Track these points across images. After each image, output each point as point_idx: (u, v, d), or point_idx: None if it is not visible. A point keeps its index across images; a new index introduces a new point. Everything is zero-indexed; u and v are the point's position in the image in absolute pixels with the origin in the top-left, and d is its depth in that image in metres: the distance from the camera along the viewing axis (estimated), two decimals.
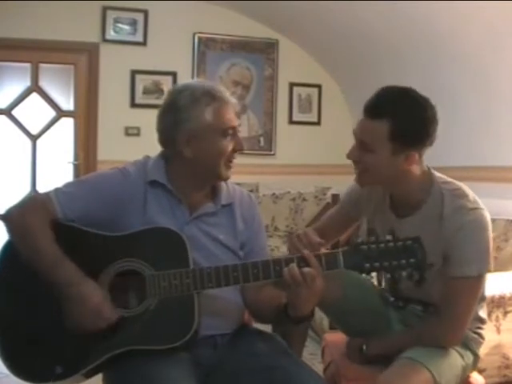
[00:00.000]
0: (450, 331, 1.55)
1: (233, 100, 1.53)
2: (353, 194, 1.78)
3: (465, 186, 1.58)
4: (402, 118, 1.46)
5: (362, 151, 1.52)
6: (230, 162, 1.52)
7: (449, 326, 1.54)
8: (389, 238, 1.36)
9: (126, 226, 1.45)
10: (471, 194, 1.55)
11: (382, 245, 1.34)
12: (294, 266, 1.34)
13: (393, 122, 1.45)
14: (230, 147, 1.50)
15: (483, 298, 1.67)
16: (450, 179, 1.60)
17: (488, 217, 1.53)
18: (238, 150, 1.52)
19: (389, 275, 1.68)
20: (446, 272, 1.52)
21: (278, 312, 1.46)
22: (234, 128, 1.51)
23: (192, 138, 1.47)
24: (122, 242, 1.42)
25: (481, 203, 1.54)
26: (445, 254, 1.52)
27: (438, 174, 1.61)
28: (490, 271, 1.53)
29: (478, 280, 1.52)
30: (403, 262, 1.33)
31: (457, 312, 1.53)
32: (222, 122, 1.48)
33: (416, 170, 1.55)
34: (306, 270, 1.33)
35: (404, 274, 1.33)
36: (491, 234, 1.53)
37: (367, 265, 1.34)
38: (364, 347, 1.65)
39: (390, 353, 1.58)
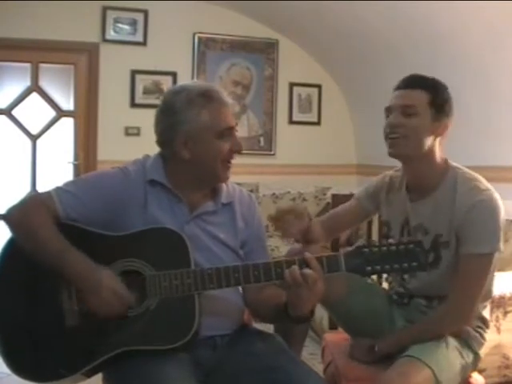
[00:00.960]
0: (461, 309, 1.57)
1: (230, 100, 1.53)
2: (371, 188, 1.86)
3: (480, 176, 1.64)
4: (437, 89, 1.62)
5: (405, 116, 1.59)
6: (229, 162, 1.52)
7: (459, 305, 1.56)
8: (391, 241, 1.37)
9: (127, 224, 1.45)
10: (485, 181, 1.62)
11: (384, 248, 1.34)
12: (295, 267, 1.34)
13: (431, 92, 1.60)
14: (227, 148, 1.49)
15: (488, 297, 1.68)
16: (465, 168, 1.67)
17: (499, 200, 1.58)
18: (236, 150, 1.52)
19: (390, 278, 1.69)
20: (459, 251, 1.56)
21: (277, 311, 1.46)
22: (230, 128, 1.50)
23: (189, 140, 1.47)
24: (124, 242, 1.42)
25: (493, 189, 1.60)
26: (458, 233, 1.56)
27: (454, 163, 1.68)
28: (500, 250, 1.56)
29: (490, 258, 1.55)
30: (405, 265, 1.33)
31: (468, 289, 1.56)
32: (217, 124, 1.47)
33: (439, 150, 1.64)
34: (308, 272, 1.33)
35: (406, 276, 1.33)
36: (502, 215, 1.57)
37: (369, 268, 1.34)
38: (376, 348, 1.66)
39: (400, 350, 1.59)
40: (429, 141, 1.60)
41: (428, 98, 1.58)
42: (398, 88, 1.64)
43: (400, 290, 1.74)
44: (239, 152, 1.53)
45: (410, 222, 1.68)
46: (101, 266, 1.37)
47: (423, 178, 1.66)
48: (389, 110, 1.64)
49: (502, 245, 1.56)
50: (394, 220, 1.74)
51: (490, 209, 1.55)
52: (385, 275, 1.84)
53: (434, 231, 1.61)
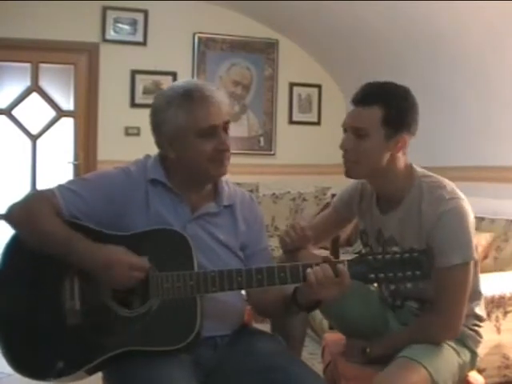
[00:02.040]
0: (446, 323, 1.55)
1: (219, 98, 1.48)
2: (345, 196, 1.84)
3: (445, 179, 1.60)
4: (392, 103, 1.53)
5: (356, 139, 1.55)
6: (220, 161, 1.48)
7: (443, 318, 1.55)
8: (395, 249, 1.36)
9: (130, 224, 1.45)
10: (450, 185, 1.58)
11: (388, 256, 1.34)
12: (318, 268, 1.33)
13: (385, 108, 1.52)
14: (210, 147, 1.45)
15: (479, 296, 1.68)
16: (431, 173, 1.63)
17: (467, 206, 1.54)
18: (221, 149, 1.47)
19: (393, 286, 1.68)
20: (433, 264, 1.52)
21: (286, 304, 1.45)
22: (214, 127, 1.46)
23: (172, 141, 1.47)
24: (128, 242, 1.41)
25: (460, 194, 1.56)
26: (428, 245, 1.52)
27: (419, 169, 1.64)
28: (474, 259, 1.53)
29: (465, 267, 1.52)
30: (408, 273, 1.32)
31: (449, 302, 1.53)
32: (196, 123, 1.44)
33: (401, 161, 1.59)
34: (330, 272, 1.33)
35: (409, 285, 1.33)
36: (472, 223, 1.54)
37: (372, 275, 1.34)
38: (368, 350, 1.66)
39: (393, 353, 1.59)
40: (385, 158, 1.55)
41: (381, 115, 1.51)
42: (353, 102, 1.57)
43: (392, 292, 1.74)
44: (226, 151, 1.48)
45: (383, 233, 1.67)
46: (105, 243, 1.38)
47: (387, 191, 1.63)
48: (343, 128, 1.60)
49: (475, 253, 1.53)
50: (370, 230, 1.73)
51: (457, 218, 1.51)
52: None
53: (405, 244, 1.58)
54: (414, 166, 1.64)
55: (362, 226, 1.78)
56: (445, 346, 1.57)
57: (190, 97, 1.45)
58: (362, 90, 1.57)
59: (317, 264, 1.35)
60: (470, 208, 1.56)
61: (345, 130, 1.60)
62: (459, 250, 1.51)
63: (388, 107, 1.52)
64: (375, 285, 1.84)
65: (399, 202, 1.61)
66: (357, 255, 1.38)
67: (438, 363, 1.51)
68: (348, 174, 1.61)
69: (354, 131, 1.55)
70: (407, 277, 1.33)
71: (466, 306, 1.56)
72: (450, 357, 1.56)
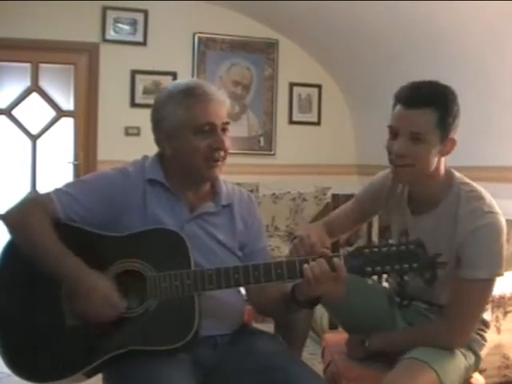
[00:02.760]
0: (458, 333, 1.54)
1: (221, 98, 1.49)
2: (372, 190, 1.79)
3: (483, 189, 1.58)
4: (446, 106, 1.50)
5: (412, 143, 1.49)
6: (213, 160, 1.48)
7: (456, 328, 1.53)
8: (392, 242, 1.36)
9: (127, 225, 1.45)
10: (488, 197, 1.55)
11: (385, 249, 1.34)
12: (314, 264, 1.33)
13: (439, 110, 1.48)
14: (204, 145, 1.45)
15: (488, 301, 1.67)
16: (469, 180, 1.60)
17: (503, 222, 1.52)
18: (216, 148, 1.47)
19: (399, 279, 1.68)
20: (457, 273, 1.52)
21: (285, 301, 1.45)
22: (211, 125, 1.46)
23: (170, 137, 1.48)
24: (124, 243, 1.42)
25: (497, 207, 1.54)
26: (457, 254, 1.51)
27: (458, 174, 1.61)
28: (501, 275, 1.52)
29: (489, 283, 1.52)
30: (405, 266, 1.32)
31: (465, 314, 1.52)
32: (193, 120, 1.45)
33: (443, 164, 1.56)
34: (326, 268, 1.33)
35: (406, 278, 1.33)
36: (505, 239, 1.52)
37: (369, 269, 1.34)
38: (366, 342, 1.65)
39: (391, 349, 1.58)
40: (435, 162, 1.53)
41: (437, 118, 1.48)
42: (404, 104, 1.50)
43: (400, 291, 1.74)
44: (221, 149, 1.48)
45: (409, 234, 1.62)
46: (96, 271, 1.37)
47: (426, 193, 1.60)
48: (394, 130, 1.53)
49: (503, 270, 1.51)
50: (394, 228, 1.71)
51: (492, 233, 1.49)
52: (385, 276, 1.82)
53: (433, 249, 1.53)
54: (453, 170, 1.61)
55: (386, 223, 1.75)
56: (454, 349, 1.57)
57: (191, 94, 1.46)
58: (412, 91, 1.51)
59: (313, 259, 1.34)
60: (505, 223, 1.53)
61: (394, 133, 1.53)
62: (489, 266, 1.49)
63: (443, 109, 1.49)
64: (386, 284, 1.83)
65: (435, 206, 1.58)
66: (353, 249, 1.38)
67: (447, 365, 1.51)
68: (400, 178, 1.57)
69: (410, 135, 1.49)
70: (404, 269, 1.33)
71: (479, 319, 1.56)
72: (458, 360, 1.56)
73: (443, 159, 1.56)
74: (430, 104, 1.48)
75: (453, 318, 1.53)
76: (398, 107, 1.52)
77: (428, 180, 1.56)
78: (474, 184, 1.59)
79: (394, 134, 1.53)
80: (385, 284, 1.82)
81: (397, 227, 1.69)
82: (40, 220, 1.41)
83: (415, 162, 1.51)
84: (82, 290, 1.34)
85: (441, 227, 1.55)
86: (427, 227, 1.57)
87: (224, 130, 1.49)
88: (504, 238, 1.52)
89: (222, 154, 1.49)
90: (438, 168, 1.55)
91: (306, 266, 1.33)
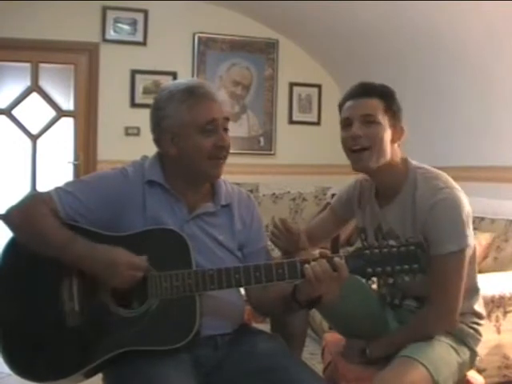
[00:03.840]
0: (444, 312, 1.56)
1: (220, 97, 1.51)
2: (344, 196, 1.88)
3: (440, 172, 1.64)
4: (389, 96, 1.64)
5: (365, 126, 1.60)
6: (218, 159, 1.49)
7: (442, 308, 1.55)
8: (392, 242, 1.37)
9: (127, 225, 1.45)
10: (444, 175, 1.62)
11: (385, 250, 1.34)
12: (315, 264, 1.33)
13: (384, 100, 1.62)
14: (210, 143, 1.46)
15: (476, 291, 1.68)
16: (424, 165, 1.67)
17: (461, 195, 1.57)
18: (221, 146, 1.48)
19: (391, 280, 1.68)
20: (429, 252, 1.53)
21: (286, 301, 1.45)
22: (214, 123, 1.47)
23: (174, 136, 1.48)
24: (125, 242, 1.41)
25: (454, 184, 1.60)
26: (424, 235, 1.55)
27: (414, 162, 1.68)
28: (469, 246, 1.55)
29: (460, 255, 1.54)
30: (406, 267, 1.33)
31: (446, 291, 1.54)
32: (197, 119, 1.46)
33: (398, 153, 1.66)
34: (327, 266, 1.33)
35: (407, 278, 1.33)
36: (467, 211, 1.56)
37: (369, 269, 1.34)
38: (368, 351, 1.66)
39: (392, 352, 1.58)
40: (390, 148, 1.62)
41: (383, 105, 1.60)
42: (352, 97, 1.64)
43: (391, 289, 1.75)
44: (225, 147, 1.49)
45: (382, 227, 1.69)
46: (103, 244, 1.39)
47: (387, 183, 1.67)
48: (347, 121, 1.63)
49: (470, 239, 1.55)
50: (369, 226, 1.75)
51: (450, 206, 1.54)
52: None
53: (403, 235, 1.60)
54: (409, 159, 1.68)
55: (361, 224, 1.79)
56: (444, 344, 1.57)
57: (193, 93, 1.47)
58: (358, 87, 1.66)
59: (314, 259, 1.35)
60: (466, 198, 1.58)
61: (347, 124, 1.63)
62: (454, 238, 1.53)
63: (386, 99, 1.62)
64: (375, 285, 1.85)
65: (397, 193, 1.64)
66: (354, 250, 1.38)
67: (438, 362, 1.52)
68: (359, 164, 1.62)
69: (363, 119, 1.60)
70: (405, 270, 1.33)
71: (462, 294, 1.56)
72: (449, 356, 1.57)
73: (397, 148, 1.65)
74: (375, 94, 1.62)
75: (436, 299, 1.55)
76: (348, 103, 1.65)
77: (386, 169, 1.63)
78: (429, 167, 1.66)
79: (347, 124, 1.64)
80: (373, 286, 1.83)
81: (371, 224, 1.73)
82: (43, 213, 1.41)
83: (370, 144, 1.58)
84: (100, 264, 1.36)
85: (404, 213, 1.61)
86: (393, 216, 1.64)
87: (225, 127, 1.51)
88: (465, 209, 1.55)
89: (225, 152, 1.50)
90: (394, 156, 1.63)
91: (307, 266, 1.34)
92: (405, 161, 1.67)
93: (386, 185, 1.68)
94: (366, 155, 1.59)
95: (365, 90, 1.63)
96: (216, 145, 1.47)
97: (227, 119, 1.52)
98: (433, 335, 1.57)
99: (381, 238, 1.68)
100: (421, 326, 1.59)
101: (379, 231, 1.69)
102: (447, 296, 1.55)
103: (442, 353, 1.55)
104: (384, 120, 1.60)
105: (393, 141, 1.62)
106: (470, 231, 1.55)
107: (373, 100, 1.61)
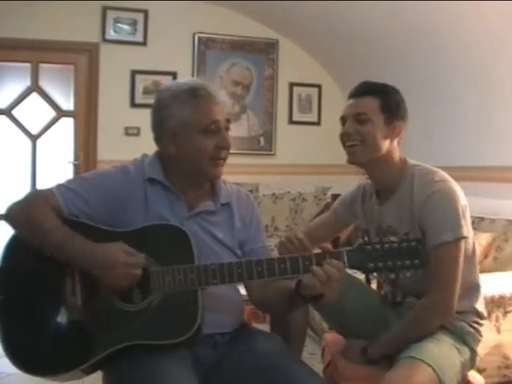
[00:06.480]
0: (442, 302, 1.57)
1: (223, 99, 1.52)
2: (347, 198, 1.91)
3: (438, 169, 1.67)
4: (387, 94, 1.68)
5: (358, 124, 1.65)
6: (218, 159, 1.50)
7: (439, 299, 1.56)
8: (393, 238, 1.37)
9: (130, 222, 1.46)
10: (441, 172, 1.66)
11: (387, 245, 1.35)
12: (337, 263, 1.33)
13: (381, 97, 1.66)
14: (212, 144, 1.47)
15: (477, 289, 1.68)
16: (423, 164, 1.71)
17: (456, 188, 1.61)
18: (222, 146, 1.49)
19: (392, 275, 1.69)
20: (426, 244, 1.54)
21: (288, 297, 1.45)
22: (216, 124, 1.48)
23: (175, 136, 1.48)
24: (128, 238, 1.42)
25: (450, 179, 1.64)
26: (420, 227, 1.58)
27: (412, 161, 1.72)
28: (464, 237, 1.57)
29: (455, 245, 1.56)
30: (407, 262, 1.33)
31: (442, 281, 1.55)
32: (200, 119, 1.46)
33: (397, 152, 1.70)
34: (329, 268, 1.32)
35: (408, 274, 1.34)
36: (461, 202, 1.59)
37: (371, 264, 1.35)
38: (368, 351, 1.66)
39: (393, 350, 1.58)
40: (385, 144, 1.65)
41: (379, 103, 1.65)
42: (350, 97, 1.71)
43: (392, 289, 1.75)
44: (226, 148, 1.50)
45: (382, 225, 1.71)
46: (101, 243, 1.38)
47: (384, 180, 1.71)
48: (343, 119, 1.71)
49: (465, 230, 1.57)
50: (371, 226, 1.76)
51: (445, 198, 1.57)
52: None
53: (401, 230, 1.63)
54: (408, 159, 1.72)
55: (365, 226, 1.80)
56: (447, 344, 1.57)
57: (196, 94, 1.48)
58: (357, 86, 1.71)
59: (316, 255, 1.35)
60: (461, 192, 1.61)
61: (343, 122, 1.70)
62: (449, 228, 1.55)
63: (384, 97, 1.66)
64: (374, 285, 1.85)
65: (394, 190, 1.69)
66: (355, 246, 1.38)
67: (443, 362, 1.52)
68: (353, 158, 1.68)
69: (355, 117, 1.66)
70: (406, 265, 1.34)
71: (458, 284, 1.57)
72: (453, 356, 1.57)
73: (396, 146, 1.69)
74: (371, 93, 1.67)
75: (433, 290, 1.56)
76: (347, 101, 1.71)
77: (383, 165, 1.68)
78: (427, 166, 1.70)
79: (343, 122, 1.70)
80: (373, 285, 1.83)
81: (373, 223, 1.75)
82: (44, 210, 1.42)
83: (362, 139, 1.64)
84: (98, 265, 1.35)
85: (402, 208, 1.65)
86: (391, 212, 1.68)
87: (226, 128, 1.52)
88: (459, 201, 1.58)
89: (226, 153, 1.51)
90: (389, 153, 1.67)
91: (315, 267, 1.33)
92: (403, 160, 1.71)
93: (383, 181, 1.71)
94: (357, 150, 1.66)
95: (363, 89, 1.69)
96: (218, 146, 1.48)
97: (228, 120, 1.53)
98: (430, 327, 1.58)
99: (382, 236, 1.68)
100: (418, 318, 1.60)
101: (380, 230, 1.70)
102: (443, 286, 1.56)
103: (447, 353, 1.56)
104: (378, 118, 1.64)
105: (389, 137, 1.66)
106: (465, 222, 1.58)
107: (368, 99, 1.66)
